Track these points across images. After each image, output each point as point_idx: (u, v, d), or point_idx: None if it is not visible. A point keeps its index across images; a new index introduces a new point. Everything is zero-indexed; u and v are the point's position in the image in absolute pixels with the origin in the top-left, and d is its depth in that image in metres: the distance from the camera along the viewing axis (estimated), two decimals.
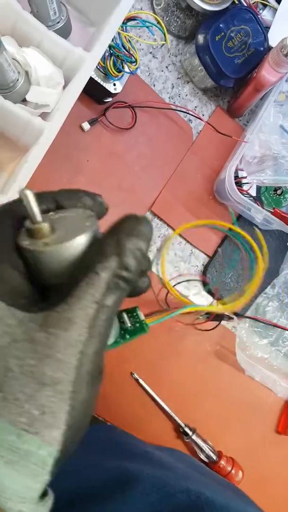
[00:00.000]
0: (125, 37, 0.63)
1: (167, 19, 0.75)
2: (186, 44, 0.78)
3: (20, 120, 0.58)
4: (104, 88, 0.66)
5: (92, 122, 0.71)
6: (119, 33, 0.63)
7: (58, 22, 0.62)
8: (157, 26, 0.63)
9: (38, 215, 0.26)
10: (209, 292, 0.79)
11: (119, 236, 0.25)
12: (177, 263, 0.78)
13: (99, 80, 0.66)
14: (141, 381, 0.73)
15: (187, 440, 0.74)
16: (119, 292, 0.25)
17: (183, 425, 0.74)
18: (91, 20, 0.70)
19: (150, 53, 0.76)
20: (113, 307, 0.24)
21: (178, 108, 0.77)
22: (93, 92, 0.68)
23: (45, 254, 0.25)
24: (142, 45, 0.75)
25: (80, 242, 0.26)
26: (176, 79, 0.78)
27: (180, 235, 0.78)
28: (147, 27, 0.63)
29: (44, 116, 0.62)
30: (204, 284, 0.79)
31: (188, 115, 0.78)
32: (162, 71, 0.77)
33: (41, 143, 0.57)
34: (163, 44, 0.73)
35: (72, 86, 0.59)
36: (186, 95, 0.79)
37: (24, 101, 0.62)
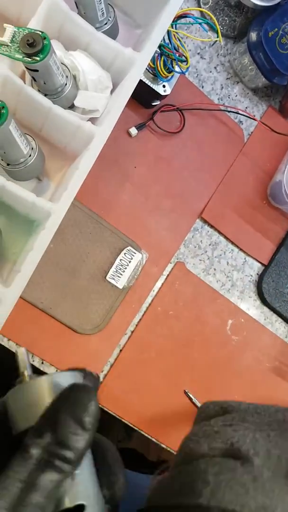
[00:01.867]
0: (175, 36, 0.60)
1: (215, 18, 0.72)
2: (235, 43, 0.75)
3: (70, 126, 0.56)
4: (153, 90, 0.64)
5: (139, 127, 0.69)
6: (169, 32, 0.60)
7: (105, 24, 0.60)
8: (209, 23, 0.59)
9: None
10: (265, 303, 0.74)
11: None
12: (229, 272, 0.74)
13: (148, 82, 0.63)
14: (194, 399, 0.69)
15: None
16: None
17: None
18: (137, 22, 0.67)
19: (198, 53, 0.73)
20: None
21: (229, 109, 0.73)
22: (141, 95, 0.66)
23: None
24: (189, 46, 0.72)
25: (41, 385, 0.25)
26: (225, 79, 0.74)
27: (233, 243, 0.74)
28: (200, 23, 0.60)
29: (92, 121, 0.60)
30: (260, 294, 0.74)
31: (238, 116, 0.74)
32: (210, 72, 0.73)
33: (91, 148, 0.55)
34: (215, 42, 0.70)
35: (123, 89, 0.56)
36: (236, 95, 0.75)
37: (71, 106, 0.60)
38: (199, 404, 0.69)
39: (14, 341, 0.62)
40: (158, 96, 0.65)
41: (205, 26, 0.62)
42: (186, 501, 0.29)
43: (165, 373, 0.69)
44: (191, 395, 0.69)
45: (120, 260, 0.67)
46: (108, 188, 0.68)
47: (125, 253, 0.67)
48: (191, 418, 0.68)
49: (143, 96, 0.66)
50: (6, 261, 0.60)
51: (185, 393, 0.69)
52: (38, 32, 0.50)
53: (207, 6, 0.72)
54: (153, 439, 0.68)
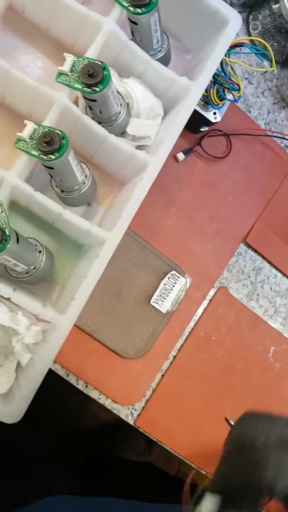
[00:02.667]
0: (229, 64, 0.60)
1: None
2: (282, 68, 0.74)
3: (123, 154, 0.56)
4: (204, 117, 0.64)
5: (186, 152, 0.69)
6: (222, 60, 0.60)
7: (159, 51, 0.60)
8: (265, 53, 0.59)
9: None
10: None
11: None
12: (273, 298, 0.73)
13: (199, 109, 0.63)
14: None
15: None
16: None
17: None
18: (187, 47, 0.68)
19: (246, 79, 0.73)
20: None
21: (275, 134, 0.73)
22: (190, 121, 0.65)
23: None
24: (237, 71, 0.72)
25: None
26: (272, 104, 0.74)
27: (276, 268, 0.73)
28: (256, 53, 0.60)
29: (142, 148, 0.60)
30: None
31: (284, 141, 0.74)
32: (257, 97, 0.73)
33: (145, 178, 0.55)
34: (266, 71, 0.70)
35: (177, 118, 0.56)
36: (283, 120, 0.75)
37: (123, 133, 0.60)
38: None
39: (59, 363, 0.62)
40: (208, 123, 0.65)
41: (260, 55, 0.62)
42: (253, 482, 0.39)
43: (206, 399, 0.68)
44: (232, 423, 0.68)
45: (164, 284, 0.67)
46: (154, 212, 0.68)
47: (169, 278, 0.67)
48: None
49: (192, 122, 0.66)
50: (56, 284, 0.61)
51: (226, 420, 0.69)
52: (98, 62, 0.51)
53: (256, 31, 0.72)
54: (193, 465, 0.67)
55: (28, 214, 0.58)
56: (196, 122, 0.66)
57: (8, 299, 0.51)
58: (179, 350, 0.68)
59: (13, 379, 0.52)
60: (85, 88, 0.51)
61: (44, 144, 0.49)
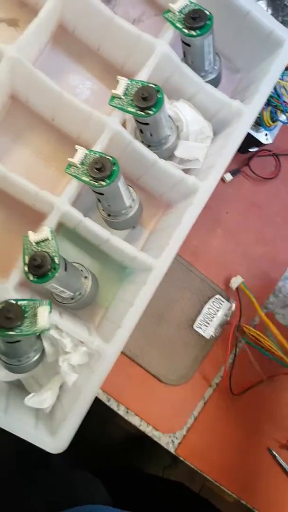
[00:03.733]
0: (282, 86, 0.58)
1: None
2: None
3: (172, 178, 0.55)
4: (255, 139, 0.62)
5: (234, 173, 0.67)
6: (276, 82, 0.58)
7: (211, 73, 0.59)
8: None
9: None
10: None
11: None
12: None
13: (250, 130, 0.61)
14: (279, 459, 0.66)
15: None
16: None
17: None
18: (237, 66, 0.66)
19: None
20: None
21: None
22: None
23: None
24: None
25: None
26: None
27: None
28: None
29: (189, 170, 0.59)
30: None
31: None
32: None
33: (195, 203, 0.53)
34: None
35: (228, 142, 0.55)
36: None
37: (170, 155, 0.59)
38: (283, 463, 0.66)
39: (101, 388, 0.61)
40: (258, 144, 0.63)
41: None
42: None
43: (250, 428, 0.66)
44: (275, 453, 0.66)
45: (208, 308, 0.65)
46: (198, 234, 0.66)
47: (213, 302, 0.66)
48: (275, 476, 0.65)
49: (242, 143, 0.64)
50: (99, 306, 0.60)
51: (269, 451, 0.66)
52: (152, 85, 0.50)
53: None
54: (234, 495, 0.65)
55: (74, 235, 0.57)
56: (246, 142, 0.63)
57: (55, 325, 0.50)
58: (222, 377, 0.66)
59: (55, 397, 0.51)
60: (138, 112, 0.50)
61: (96, 171, 0.48)
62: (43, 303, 0.45)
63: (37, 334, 0.44)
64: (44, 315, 0.44)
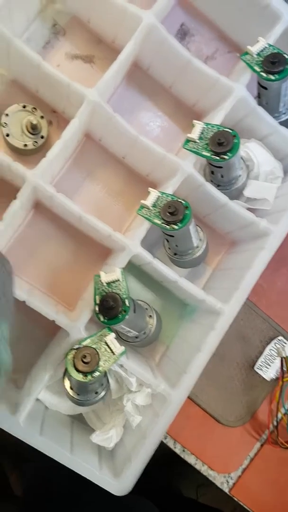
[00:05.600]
0: None
1: None
2: None
3: (241, 220, 0.55)
4: None
5: None
6: None
7: (284, 113, 0.58)
8: None
9: None
10: None
11: None
12: None
13: None
14: None
15: None
16: None
17: None
18: None
19: None
20: None
21: None
22: None
23: None
24: None
25: None
26: None
27: None
28: None
29: (258, 210, 0.58)
30: None
31: None
32: None
33: (267, 249, 0.52)
34: None
35: None
36: None
37: (238, 194, 0.58)
38: None
39: None
40: None
41: None
42: None
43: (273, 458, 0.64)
44: None
45: (270, 350, 0.64)
46: (263, 273, 0.65)
47: (275, 343, 0.64)
48: None
49: None
50: (160, 343, 0.60)
51: None
52: (228, 130, 0.49)
53: None
54: None
55: (138, 271, 0.58)
56: None
57: (121, 366, 0.50)
58: (280, 420, 0.64)
59: (120, 436, 0.52)
60: (213, 156, 0.50)
61: (168, 214, 0.48)
62: (106, 332, 0.46)
63: (118, 360, 0.46)
64: (114, 342, 0.46)
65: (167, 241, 0.54)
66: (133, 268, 0.58)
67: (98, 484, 0.47)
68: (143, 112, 0.61)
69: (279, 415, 0.62)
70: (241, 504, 0.63)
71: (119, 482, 0.47)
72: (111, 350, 0.46)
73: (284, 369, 0.61)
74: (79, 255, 0.57)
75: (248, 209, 0.56)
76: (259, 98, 0.57)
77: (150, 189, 0.49)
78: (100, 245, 0.55)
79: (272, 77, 0.51)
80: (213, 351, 0.50)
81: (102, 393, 0.50)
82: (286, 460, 0.64)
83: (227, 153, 0.49)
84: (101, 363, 0.45)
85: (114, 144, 0.56)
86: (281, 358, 0.61)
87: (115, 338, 0.46)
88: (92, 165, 0.58)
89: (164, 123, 0.61)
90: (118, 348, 0.46)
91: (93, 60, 0.60)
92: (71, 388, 0.49)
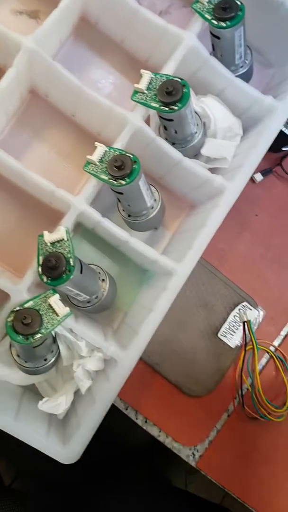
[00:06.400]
0: None
1: None
2: None
3: (197, 178, 0.52)
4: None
5: (265, 173, 0.63)
6: None
7: (241, 67, 0.55)
8: None
9: None
10: None
11: None
12: None
13: (283, 128, 0.58)
14: None
15: None
16: None
17: None
18: (270, 61, 0.62)
19: None
20: None
21: None
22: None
23: None
24: None
25: None
26: None
27: None
28: None
29: (216, 170, 0.55)
30: None
31: None
32: None
33: (221, 205, 0.50)
34: None
35: (260, 140, 0.51)
36: None
37: (196, 154, 0.56)
38: None
39: (118, 396, 0.58)
40: None
41: None
42: None
43: (279, 445, 0.62)
44: None
45: (234, 316, 0.62)
46: (225, 237, 0.63)
47: (239, 309, 0.62)
48: None
49: (273, 141, 0.60)
50: (118, 310, 0.58)
51: None
52: (177, 79, 0.47)
53: None
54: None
55: (93, 236, 0.55)
56: (278, 141, 0.59)
57: (70, 330, 0.48)
58: (248, 388, 0.62)
59: (69, 403, 0.49)
60: (162, 107, 0.47)
61: (115, 169, 0.45)
62: (49, 293, 0.44)
63: (61, 322, 0.43)
64: (58, 303, 0.43)
65: (119, 201, 0.52)
66: (87, 234, 0.56)
67: (45, 452, 0.44)
68: (94, 69, 0.58)
69: (245, 385, 0.61)
70: (209, 478, 0.61)
71: (66, 450, 0.45)
72: (54, 311, 0.43)
73: (247, 334, 0.59)
74: (27, 220, 0.54)
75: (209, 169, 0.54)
76: (214, 50, 0.54)
77: (96, 143, 0.47)
78: (49, 208, 0.53)
79: (223, 24, 0.49)
80: (165, 311, 0.48)
81: (52, 360, 0.48)
82: (255, 431, 0.62)
83: (177, 103, 0.46)
84: (43, 325, 0.42)
85: (61, 100, 0.53)
86: (243, 322, 0.59)
87: (60, 300, 0.44)
88: (40, 124, 0.55)
89: (117, 80, 0.58)
90: (62, 309, 0.43)
91: (39, 15, 0.57)
92: (18, 356, 0.47)
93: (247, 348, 0.60)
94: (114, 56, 0.58)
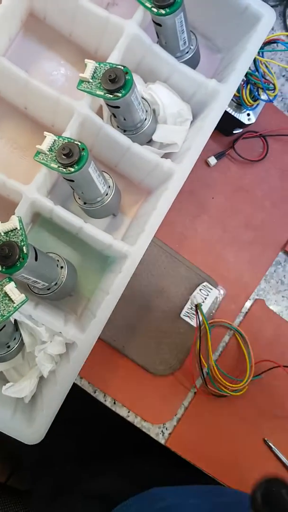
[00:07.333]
0: (262, 62, 0.56)
1: None
2: None
3: (148, 163, 0.54)
4: (237, 119, 0.60)
5: (218, 156, 0.65)
6: (255, 59, 0.56)
7: (187, 53, 0.57)
8: None
9: None
10: None
11: None
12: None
13: (231, 111, 0.60)
14: (275, 448, 0.64)
15: None
16: None
17: None
18: (218, 46, 0.64)
19: (283, 76, 0.68)
20: None
21: None
22: (222, 124, 0.61)
23: None
24: (274, 68, 0.67)
25: None
26: None
27: None
28: None
29: (169, 155, 0.57)
30: None
31: None
32: None
33: (170, 188, 0.52)
34: None
35: (205, 123, 0.53)
36: None
37: (150, 140, 0.58)
38: (281, 455, 0.64)
39: (86, 379, 0.60)
40: (241, 125, 0.61)
41: None
42: None
43: (243, 419, 0.64)
44: (271, 444, 0.64)
45: (195, 297, 0.64)
46: (184, 221, 0.65)
47: (200, 289, 0.64)
48: (272, 467, 0.63)
49: (224, 125, 0.62)
50: (82, 297, 0.59)
51: (265, 442, 0.64)
52: (120, 67, 0.48)
53: None
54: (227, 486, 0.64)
55: (52, 226, 0.57)
56: (228, 124, 0.62)
57: (30, 316, 0.49)
58: (213, 366, 0.64)
59: (33, 386, 0.51)
60: (107, 95, 0.48)
61: (63, 157, 0.47)
62: (5, 281, 0.45)
63: (18, 309, 0.44)
64: (14, 290, 0.44)
65: (73, 188, 0.53)
66: (47, 223, 0.57)
67: (8, 434, 0.46)
68: (45, 62, 0.59)
69: (211, 362, 0.63)
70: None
71: (29, 431, 0.46)
72: (10, 299, 0.45)
73: (199, 316, 0.60)
74: None
75: (163, 156, 0.56)
76: (158, 38, 0.55)
77: (45, 133, 0.48)
78: (8, 201, 0.54)
79: (163, 11, 0.50)
80: (120, 293, 0.50)
81: (15, 347, 0.49)
82: (221, 407, 0.64)
83: (120, 90, 0.48)
84: (1, 310, 0.44)
85: (10, 93, 0.54)
86: (195, 305, 0.60)
87: (16, 287, 0.45)
88: None
89: (68, 72, 0.59)
90: (18, 296, 0.44)
91: None
92: None
93: (201, 327, 0.62)
94: (64, 49, 0.59)
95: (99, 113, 0.55)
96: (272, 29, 0.67)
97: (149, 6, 0.51)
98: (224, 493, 0.50)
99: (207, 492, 0.51)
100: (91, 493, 0.65)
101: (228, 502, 0.47)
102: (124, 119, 0.53)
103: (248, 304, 0.66)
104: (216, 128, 0.64)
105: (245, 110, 0.60)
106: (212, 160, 0.65)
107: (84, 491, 0.66)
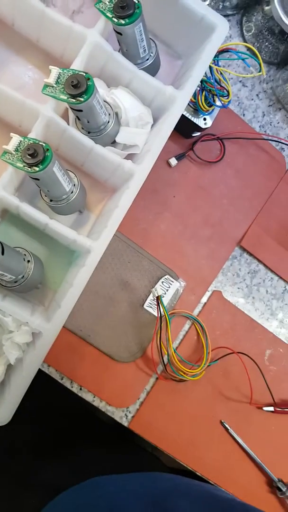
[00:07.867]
0: (217, 70, 0.60)
1: (257, 45, 0.71)
2: (277, 70, 0.74)
3: (110, 163, 0.57)
4: (194, 123, 0.64)
5: (179, 157, 0.69)
6: (210, 67, 0.60)
7: (147, 60, 0.61)
8: (253, 57, 0.59)
9: None
10: None
11: None
12: (268, 301, 0.73)
13: (188, 116, 0.64)
14: (231, 430, 0.69)
15: (281, 496, 0.69)
16: None
17: (276, 479, 0.69)
18: (178, 53, 0.68)
19: (240, 81, 0.73)
20: None
21: (270, 138, 0.72)
22: (181, 127, 0.66)
23: None
24: (231, 74, 0.72)
25: None
26: (267, 106, 0.74)
27: (272, 271, 0.73)
28: (244, 59, 0.59)
29: (131, 156, 0.61)
30: None
31: (280, 143, 0.73)
32: (252, 99, 0.73)
33: (131, 187, 0.56)
34: (253, 76, 0.69)
35: (163, 127, 0.57)
36: (278, 122, 0.74)
37: (114, 142, 0.61)
38: (236, 436, 0.69)
39: (54, 367, 0.64)
40: (198, 128, 0.65)
41: (248, 61, 0.61)
42: None
43: (201, 402, 0.69)
44: (227, 426, 0.69)
45: (156, 289, 0.68)
46: (147, 218, 0.69)
47: (162, 282, 0.68)
48: (228, 447, 0.68)
49: (183, 128, 0.66)
50: (49, 290, 0.62)
51: (222, 423, 0.69)
52: (82, 73, 0.52)
53: (250, 34, 0.71)
54: (188, 467, 0.68)
55: (20, 221, 0.60)
56: (187, 128, 0.66)
57: None
58: (172, 354, 0.68)
59: (1, 373, 0.54)
60: (70, 99, 0.52)
61: (28, 157, 0.50)
62: None
63: None
64: None
65: (39, 187, 0.56)
66: (15, 219, 0.60)
67: None
68: (14, 66, 0.62)
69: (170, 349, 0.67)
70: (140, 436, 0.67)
71: None
72: None
73: (160, 307, 0.64)
74: None
75: (126, 157, 0.59)
76: (120, 46, 0.59)
77: (12, 134, 0.51)
78: None
79: (122, 21, 0.54)
80: (83, 285, 0.53)
81: None
82: (180, 391, 0.69)
83: (83, 95, 0.51)
84: None
85: None
86: (156, 297, 0.64)
87: None
88: None
89: (36, 76, 0.62)
90: None
91: None
92: None
93: (162, 316, 0.66)
94: (32, 54, 0.62)
95: (65, 115, 0.59)
96: (230, 36, 0.72)
97: (110, 16, 0.55)
98: (161, 479, 0.53)
99: (146, 479, 0.54)
100: (41, 483, 0.67)
101: (165, 487, 0.50)
102: (88, 122, 0.56)
103: (206, 295, 0.71)
104: (176, 131, 0.69)
105: (201, 115, 0.64)
106: (173, 161, 0.69)
107: (35, 481, 0.68)
